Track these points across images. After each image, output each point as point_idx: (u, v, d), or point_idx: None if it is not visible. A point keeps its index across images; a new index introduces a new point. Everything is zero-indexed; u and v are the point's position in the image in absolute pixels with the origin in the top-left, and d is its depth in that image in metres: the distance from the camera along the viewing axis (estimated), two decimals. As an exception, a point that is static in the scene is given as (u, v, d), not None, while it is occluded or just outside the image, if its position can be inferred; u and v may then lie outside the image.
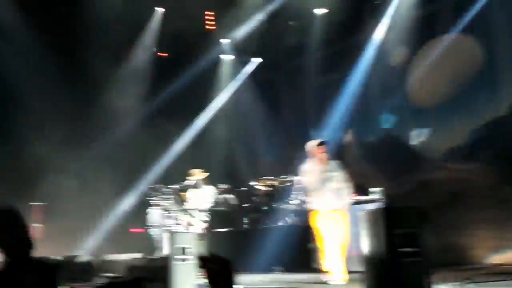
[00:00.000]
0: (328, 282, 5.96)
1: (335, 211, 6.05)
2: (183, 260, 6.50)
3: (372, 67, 10.87)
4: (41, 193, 9.91)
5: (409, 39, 10.24)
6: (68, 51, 10.84)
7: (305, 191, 6.25)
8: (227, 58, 13.74)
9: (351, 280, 6.08)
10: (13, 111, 10.53)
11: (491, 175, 8.09)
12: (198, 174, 8.71)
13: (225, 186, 11.18)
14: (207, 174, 8.74)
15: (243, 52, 13.39)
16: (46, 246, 8.09)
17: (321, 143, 6.21)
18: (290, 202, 9.50)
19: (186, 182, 8.71)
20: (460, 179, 8.90)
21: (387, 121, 10.73)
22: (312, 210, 6.10)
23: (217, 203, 11.02)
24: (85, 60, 10.67)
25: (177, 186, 8.55)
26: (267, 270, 8.22)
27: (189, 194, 8.61)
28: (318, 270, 8.57)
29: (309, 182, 6.15)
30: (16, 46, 10.61)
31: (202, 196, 8.55)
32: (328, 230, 5.96)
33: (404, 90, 10.15)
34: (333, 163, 6.29)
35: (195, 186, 8.57)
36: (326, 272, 6.04)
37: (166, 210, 8.36)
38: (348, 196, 6.23)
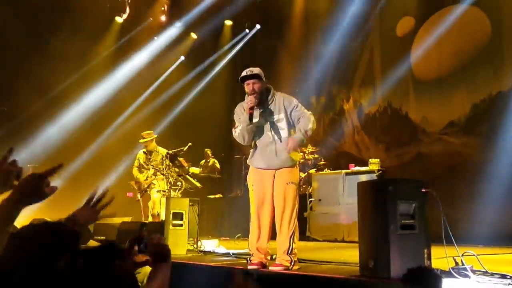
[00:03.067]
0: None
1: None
2: (178, 225, 6.55)
3: (376, 36, 10.71)
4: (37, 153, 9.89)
5: (415, 9, 10.05)
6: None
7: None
8: (227, 23, 13.57)
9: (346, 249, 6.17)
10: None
11: (489, 149, 8.07)
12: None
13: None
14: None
15: (243, 18, 13.20)
16: (43, 210, 8.11)
17: None
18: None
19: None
20: (458, 152, 8.90)
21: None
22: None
23: (210, 169, 11.16)
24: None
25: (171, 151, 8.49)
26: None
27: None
28: (311, 238, 8.69)
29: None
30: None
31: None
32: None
33: (407, 61, 10.02)
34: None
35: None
36: None
37: (163, 174, 8.33)
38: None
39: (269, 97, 4.88)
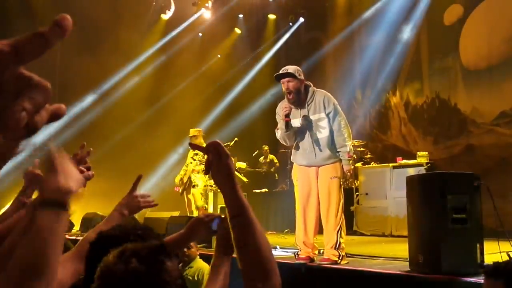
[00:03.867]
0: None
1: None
2: (226, 219, 6.64)
3: (424, 25, 10.46)
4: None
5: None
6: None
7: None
8: (271, 17, 13.56)
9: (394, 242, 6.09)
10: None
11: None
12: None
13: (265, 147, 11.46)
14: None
15: (286, 11, 13.16)
16: (93, 203, 8.38)
17: None
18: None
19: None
20: (510, 144, 8.62)
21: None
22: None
23: (269, 165, 11.34)
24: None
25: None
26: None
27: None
28: (358, 233, 8.61)
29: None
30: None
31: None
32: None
33: (455, 51, 9.76)
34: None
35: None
36: None
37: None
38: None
39: (309, 95, 4.87)
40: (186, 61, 12.75)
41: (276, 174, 11.47)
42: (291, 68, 4.79)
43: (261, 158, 11.59)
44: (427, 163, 8.09)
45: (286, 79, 4.75)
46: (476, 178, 3.64)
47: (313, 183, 4.83)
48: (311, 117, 4.83)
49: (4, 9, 10.30)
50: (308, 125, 4.85)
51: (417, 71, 10.58)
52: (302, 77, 4.81)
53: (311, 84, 4.95)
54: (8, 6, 10.41)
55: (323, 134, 4.82)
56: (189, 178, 8.73)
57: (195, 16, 12.99)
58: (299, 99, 4.82)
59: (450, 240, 3.49)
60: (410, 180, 3.92)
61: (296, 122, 4.87)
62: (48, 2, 10.33)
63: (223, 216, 1.92)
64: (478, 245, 3.53)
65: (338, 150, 4.81)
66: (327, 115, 4.79)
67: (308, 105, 4.85)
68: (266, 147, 11.58)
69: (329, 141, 4.82)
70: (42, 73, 0.58)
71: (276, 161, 11.51)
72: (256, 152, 11.51)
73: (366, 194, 8.80)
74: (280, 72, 4.79)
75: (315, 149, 4.83)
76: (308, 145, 4.87)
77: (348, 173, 4.94)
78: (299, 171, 4.97)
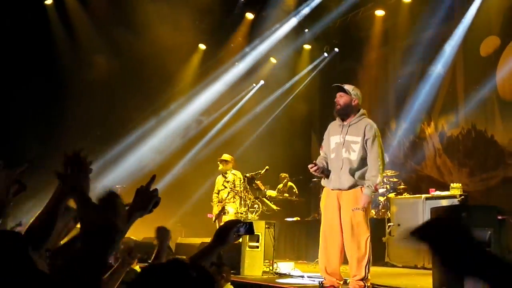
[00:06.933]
0: None
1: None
2: (254, 247, 6.67)
3: (459, 56, 10.40)
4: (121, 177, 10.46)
5: (500, 28, 9.69)
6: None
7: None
8: (306, 47, 13.71)
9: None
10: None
11: None
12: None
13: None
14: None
15: (321, 41, 13.30)
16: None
17: None
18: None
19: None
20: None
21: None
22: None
23: (288, 193, 11.27)
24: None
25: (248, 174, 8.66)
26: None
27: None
28: (390, 264, 8.48)
29: None
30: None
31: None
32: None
33: (492, 82, 9.65)
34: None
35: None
36: None
37: (240, 197, 8.51)
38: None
39: (356, 117, 4.98)
40: (221, 90, 13.00)
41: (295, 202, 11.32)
42: (346, 85, 5.06)
43: (280, 186, 11.44)
44: (460, 195, 7.93)
45: (339, 93, 4.99)
46: (501, 212, 3.61)
47: (335, 212, 4.84)
48: (347, 137, 4.90)
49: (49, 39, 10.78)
50: (342, 143, 4.93)
51: (453, 102, 10.49)
52: (356, 96, 5.00)
53: (365, 113, 5.05)
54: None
55: (352, 156, 4.86)
56: (223, 206, 8.79)
57: (231, 45, 13.28)
58: (345, 114, 4.97)
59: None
60: (435, 211, 3.91)
61: (336, 139, 4.98)
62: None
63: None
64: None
65: (367, 178, 4.79)
66: (365, 141, 4.84)
67: (350, 125, 4.93)
68: (283, 175, 11.44)
69: (357, 167, 4.83)
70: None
71: (295, 189, 11.35)
72: (284, 181, 11.41)
73: (398, 225, 8.67)
74: (337, 84, 5.09)
75: (342, 169, 4.86)
76: (336, 165, 4.93)
77: (365, 206, 4.73)
78: (326, 196, 5.00)
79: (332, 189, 4.92)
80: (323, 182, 5.09)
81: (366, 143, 4.83)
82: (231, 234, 2.12)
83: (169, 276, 1.29)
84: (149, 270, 1.34)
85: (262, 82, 13.88)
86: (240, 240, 6.89)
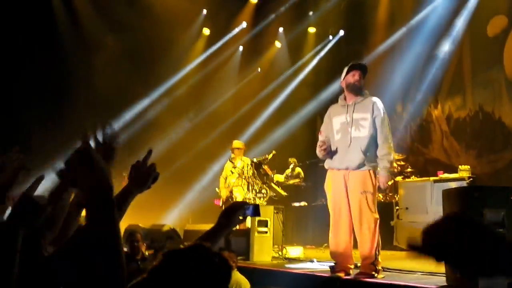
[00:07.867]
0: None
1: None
2: (263, 232, 6.66)
3: (466, 37, 10.27)
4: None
5: (508, 7, 9.56)
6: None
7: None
8: (311, 31, 13.61)
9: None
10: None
11: None
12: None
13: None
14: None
15: (326, 24, 13.19)
16: (134, 216, 8.56)
17: None
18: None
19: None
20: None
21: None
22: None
23: (295, 178, 11.22)
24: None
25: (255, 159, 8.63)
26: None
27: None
28: (398, 248, 8.47)
29: None
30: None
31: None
32: None
33: (499, 63, 9.55)
34: None
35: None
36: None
37: (248, 182, 8.48)
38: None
39: (362, 94, 4.90)
40: (226, 75, 12.96)
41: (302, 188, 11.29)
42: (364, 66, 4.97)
43: (288, 171, 11.37)
44: (469, 177, 7.90)
45: (358, 71, 4.87)
46: (515, 193, 3.58)
47: (343, 195, 4.76)
48: (355, 115, 4.81)
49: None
50: (350, 122, 4.82)
51: (460, 84, 10.39)
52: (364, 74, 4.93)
53: (368, 92, 4.99)
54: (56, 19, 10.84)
55: (362, 133, 4.75)
56: (231, 191, 8.77)
57: (236, 30, 13.19)
58: (359, 90, 4.88)
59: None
60: (447, 194, 3.87)
61: (341, 119, 4.88)
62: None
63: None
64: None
65: (380, 157, 4.68)
66: (373, 117, 4.76)
67: (356, 104, 4.85)
68: (292, 160, 11.34)
69: (367, 144, 4.71)
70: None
71: (302, 174, 11.32)
72: (291, 166, 11.34)
73: (406, 208, 8.65)
74: (357, 62, 5.01)
75: (350, 147, 4.75)
76: (343, 144, 4.82)
77: (385, 185, 4.71)
78: (332, 179, 4.92)
79: (339, 169, 4.83)
80: (327, 163, 4.99)
81: (375, 120, 4.76)
82: (236, 215, 2.07)
83: (193, 261, 1.27)
84: (173, 255, 1.32)
85: (266, 66, 13.79)
86: (249, 225, 6.89)
